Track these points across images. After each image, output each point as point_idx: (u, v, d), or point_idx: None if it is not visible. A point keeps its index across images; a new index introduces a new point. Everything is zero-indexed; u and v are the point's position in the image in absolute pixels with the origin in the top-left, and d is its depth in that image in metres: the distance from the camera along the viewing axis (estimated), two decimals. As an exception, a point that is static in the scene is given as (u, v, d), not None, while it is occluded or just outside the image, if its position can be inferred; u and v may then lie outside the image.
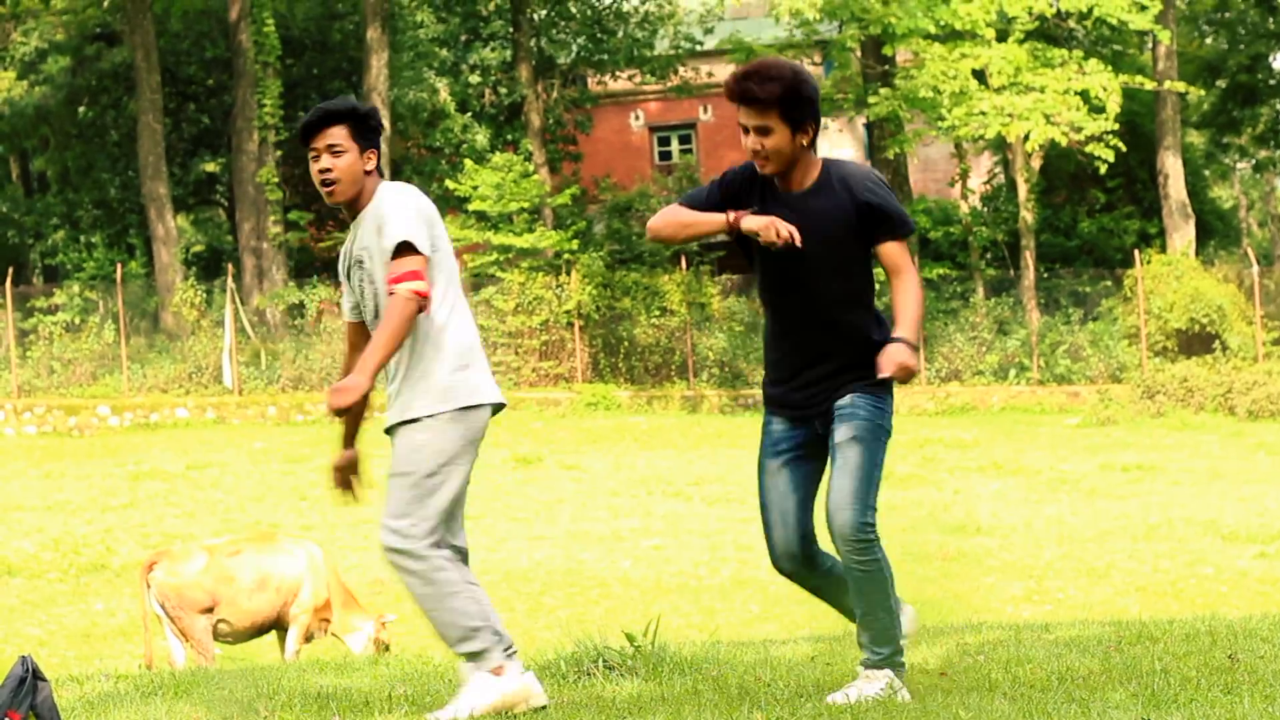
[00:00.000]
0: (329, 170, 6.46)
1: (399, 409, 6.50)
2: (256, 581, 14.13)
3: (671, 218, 6.62)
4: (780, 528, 6.60)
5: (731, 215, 6.43)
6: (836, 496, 6.37)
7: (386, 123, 40.57)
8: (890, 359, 6.29)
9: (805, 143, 6.42)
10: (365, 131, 6.51)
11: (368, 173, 6.53)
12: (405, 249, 6.34)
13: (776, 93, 6.35)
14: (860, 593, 6.44)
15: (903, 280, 6.44)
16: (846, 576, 6.46)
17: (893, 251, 6.47)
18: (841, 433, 6.44)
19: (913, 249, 38.97)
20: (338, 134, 6.47)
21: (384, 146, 40.41)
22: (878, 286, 6.70)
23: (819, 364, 6.52)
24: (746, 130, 6.43)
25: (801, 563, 6.63)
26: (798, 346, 6.55)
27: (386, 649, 14.17)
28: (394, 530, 6.39)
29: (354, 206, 6.57)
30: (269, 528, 22.62)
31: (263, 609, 14.18)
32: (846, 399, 6.48)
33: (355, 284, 6.63)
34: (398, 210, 6.42)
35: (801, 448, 6.62)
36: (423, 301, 6.33)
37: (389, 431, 6.54)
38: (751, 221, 6.37)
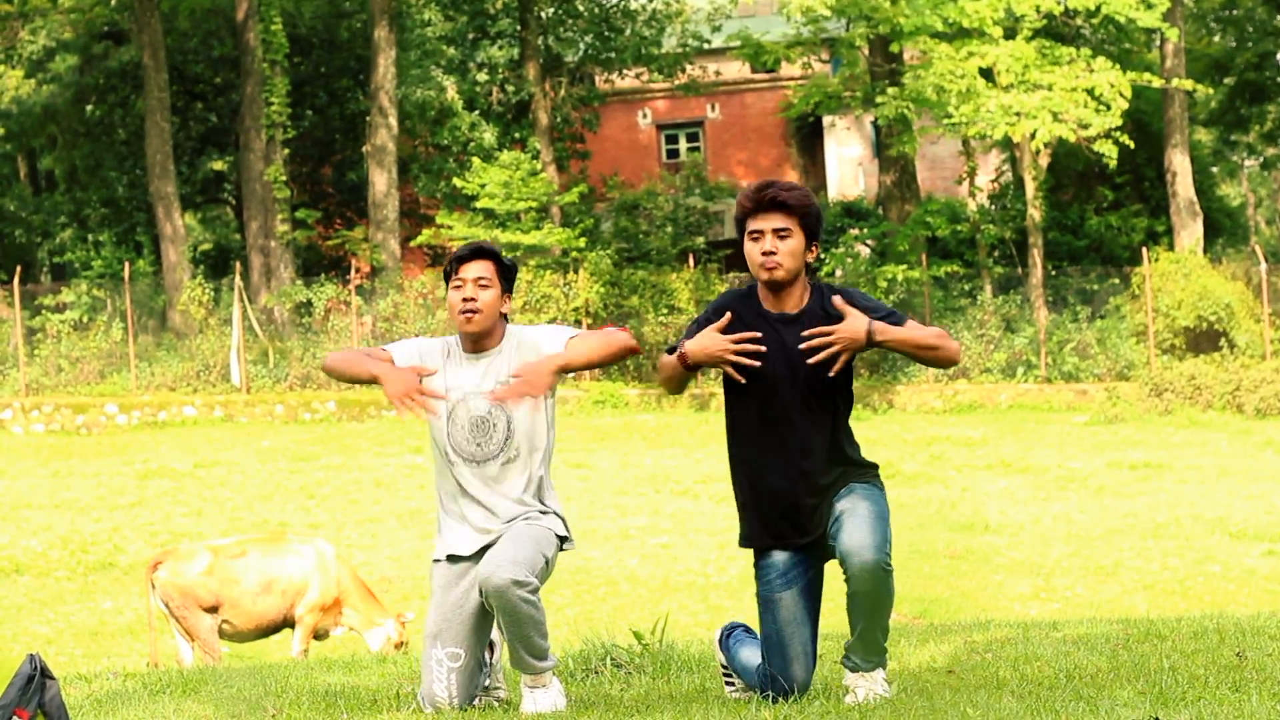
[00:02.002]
0: (473, 300, 6.76)
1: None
2: (261, 584, 14.12)
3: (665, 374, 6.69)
4: (802, 658, 6.56)
5: (679, 352, 6.50)
6: (855, 540, 6.32)
7: (394, 121, 40.62)
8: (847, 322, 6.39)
9: (810, 259, 6.55)
10: (509, 276, 6.86)
11: (502, 314, 6.84)
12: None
13: (803, 200, 6.50)
14: (866, 614, 6.42)
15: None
16: (854, 600, 6.40)
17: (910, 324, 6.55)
18: (845, 503, 6.44)
19: (921, 248, 39.15)
20: (487, 269, 6.81)
21: (392, 148, 40.44)
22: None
23: (806, 494, 6.50)
24: (759, 236, 6.49)
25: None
26: (782, 481, 6.52)
27: (400, 646, 14.17)
28: (530, 572, 6.57)
29: (480, 343, 6.82)
30: (278, 527, 22.64)
31: (268, 612, 14.17)
32: (842, 494, 6.50)
33: (473, 414, 6.78)
34: (552, 329, 6.89)
35: (808, 570, 6.60)
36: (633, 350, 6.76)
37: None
38: (693, 350, 6.46)
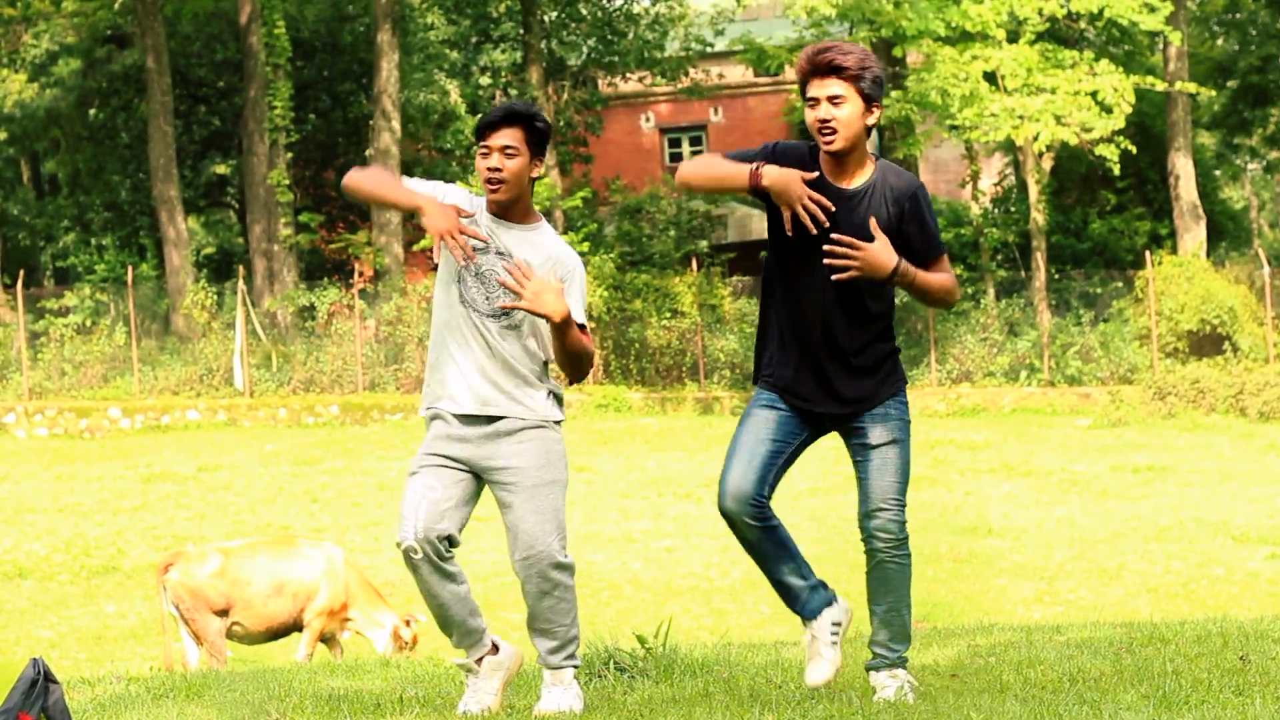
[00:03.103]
0: (499, 170, 6.50)
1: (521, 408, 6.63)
2: (272, 586, 14.11)
3: (701, 164, 6.50)
4: (743, 465, 6.48)
5: (755, 167, 6.28)
6: (879, 495, 6.39)
7: (397, 124, 40.62)
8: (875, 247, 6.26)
9: (869, 124, 6.36)
10: (539, 140, 6.58)
11: (532, 180, 6.60)
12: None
13: (860, 63, 6.30)
14: (890, 589, 6.45)
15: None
16: (877, 573, 6.45)
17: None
18: (878, 434, 6.44)
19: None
20: (515, 136, 6.53)
21: (389, 133, 40.44)
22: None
23: (835, 372, 6.45)
24: (815, 102, 6.31)
25: (750, 506, 6.49)
26: (811, 350, 6.44)
27: (409, 646, 14.15)
28: (563, 547, 6.57)
29: (509, 211, 6.62)
30: (284, 531, 22.64)
31: (278, 615, 14.17)
32: (879, 407, 6.48)
33: (481, 271, 6.58)
34: (582, 281, 6.67)
35: (795, 414, 6.51)
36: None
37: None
38: (773, 176, 6.24)
